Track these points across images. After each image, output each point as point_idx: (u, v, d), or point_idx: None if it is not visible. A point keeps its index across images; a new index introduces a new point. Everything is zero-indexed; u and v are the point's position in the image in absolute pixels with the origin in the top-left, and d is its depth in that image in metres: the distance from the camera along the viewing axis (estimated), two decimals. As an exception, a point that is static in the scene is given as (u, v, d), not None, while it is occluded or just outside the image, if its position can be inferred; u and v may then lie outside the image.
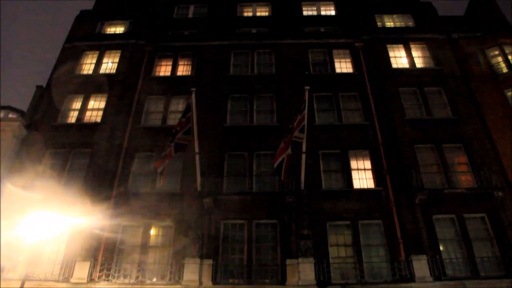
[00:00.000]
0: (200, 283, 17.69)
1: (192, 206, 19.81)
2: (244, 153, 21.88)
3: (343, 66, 26.43)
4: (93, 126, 23.29)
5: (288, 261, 18.02)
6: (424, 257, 18.10)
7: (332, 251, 18.65)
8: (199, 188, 19.84)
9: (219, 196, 19.66)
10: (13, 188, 19.61)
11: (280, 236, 19.05)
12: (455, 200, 19.67)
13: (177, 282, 17.86)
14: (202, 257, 18.29)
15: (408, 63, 26.18)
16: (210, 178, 20.29)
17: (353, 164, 21.60)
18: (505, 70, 24.89)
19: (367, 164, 21.55)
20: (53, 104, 24.31)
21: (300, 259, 17.93)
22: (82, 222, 18.72)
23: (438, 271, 17.81)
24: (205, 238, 18.83)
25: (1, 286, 18.32)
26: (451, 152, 21.90)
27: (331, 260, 18.24)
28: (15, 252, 17.71)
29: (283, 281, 17.69)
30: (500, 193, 19.60)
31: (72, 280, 18.44)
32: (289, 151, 18.38)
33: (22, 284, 14.96)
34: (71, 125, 23.58)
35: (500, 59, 25.65)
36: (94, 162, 21.66)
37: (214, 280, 17.83)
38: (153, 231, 19.77)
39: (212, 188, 19.95)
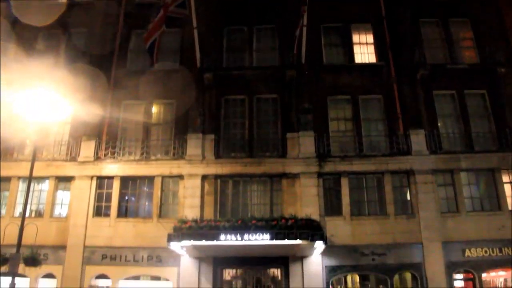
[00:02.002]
0: (203, 157, 18.12)
1: (192, 83, 19.47)
2: (244, 27, 20.89)
3: None
4: (87, 5, 21.74)
5: (288, 135, 18.33)
6: (422, 131, 18.45)
7: (332, 125, 18.92)
8: (198, 64, 19.30)
9: (219, 72, 19.26)
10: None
11: (280, 110, 19.13)
12: (457, 76, 19.47)
13: (181, 157, 18.26)
14: (204, 132, 18.50)
15: None
16: (210, 54, 19.63)
17: (355, 38, 20.84)
18: None
19: (370, 38, 20.80)
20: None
21: (300, 133, 18.24)
22: (85, 103, 18.45)
23: (434, 145, 18.33)
24: (206, 114, 18.86)
25: (12, 169, 18.79)
26: (456, 27, 21.05)
27: (331, 134, 18.60)
28: (21, 133, 17.54)
29: (283, 154, 18.20)
30: (502, 70, 19.35)
31: (79, 159, 18.86)
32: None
33: (32, 163, 15.13)
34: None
35: None
36: (91, 42, 20.70)
37: (217, 154, 18.26)
38: (154, 109, 19.70)
39: (212, 64, 19.45)
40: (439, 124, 18.96)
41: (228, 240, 14.97)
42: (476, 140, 18.70)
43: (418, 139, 18.30)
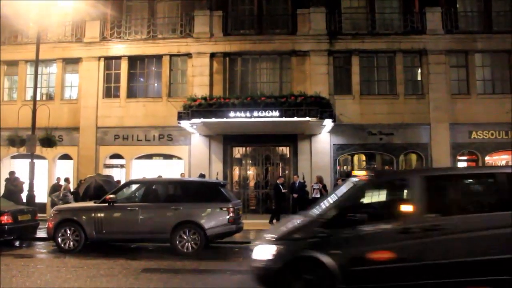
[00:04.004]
0: (211, 35, 17.69)
1: (199, -46, 18.28)
2: None
3: None
4: None
5: (299, 11, 17.62)
6: (439, 9, 17.61)
7: (344, 1, 18.07)
8: None
9: None
10: None
11: (291, -16, 18.12)
12: None
13: (188, 35, 17.83)
14: (211, 8, 17.83)
15: None
16: None
17: None
18: None
19: None
20: None
21: (311, 9, 17.51)
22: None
23: (451, 24, 17.61)
24: (213, -13, 17.97)
25: (19, 52, 18.59)
26: None
27: (342, 10, 17.86)
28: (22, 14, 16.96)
29: (294, 31, 17.67)
30: None
31: (85, 40, 18.51)
32: None
33: (37, 46, 14.87)
34: None
35: None
36: None
37: (225, 32, 17.78)
38: (159, -16, 18.76)
39: None
40: (457, 2, 18.04)
41: (237, 117, 15.13)
42: (495, 19, 17.88)
43: (433, 17, 17.54)
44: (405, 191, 6.57)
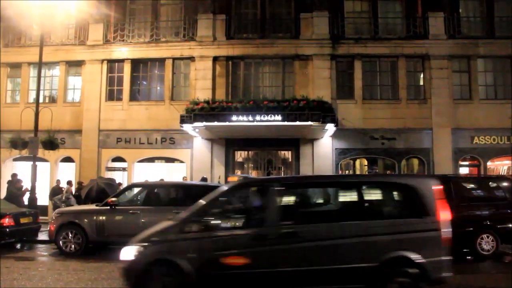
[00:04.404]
0: (214, 38, 17.73)
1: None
2: None
3: None
4: None
5: (302, 15, 17.68)
6: (441, 14, 17.65)
7: (347, 5, 18.12)
8: None
9: None
10: None
11: (294, -12, 18.17)
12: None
13: (191, 38, 17.88)
14: (215, 12, 17.89)
15: None
16: None
17: None
18: None
19: None
20: None
21: (314, 13, 17.57)
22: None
23: (453, 29, 17.64)
24: (216, -9, 18.01)
25: (22, 55, 18.63)
26: None
27: (345, 15, 17.89)
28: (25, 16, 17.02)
29: (296, 35, 17.72)
30: None
31: (88, 43, 18.57)
32: None
33: (41, 48, 14.92)
34: None
35: None
36: None
37: (228, 35, 17.82)
38: (163, -13, 18.82)
39: None
40: (460, 7, 18.05)
41: (240, 121, 15.16)
42: (498, 25, 17.89)
43: (436, 22, 17.58)
44: (264, 198, 6.49)
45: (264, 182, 7.16)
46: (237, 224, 6.46)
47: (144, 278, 5.94)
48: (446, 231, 6.03)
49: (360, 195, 6.46)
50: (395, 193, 6.76)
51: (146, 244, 6.25)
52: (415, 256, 5.87)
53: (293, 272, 5.86)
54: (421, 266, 5.85)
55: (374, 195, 6.85)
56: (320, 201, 7.18)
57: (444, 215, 6.11)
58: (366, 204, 6.54)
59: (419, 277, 5.85)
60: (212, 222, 6.11)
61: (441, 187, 6.41)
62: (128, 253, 6.19)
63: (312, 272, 5.86)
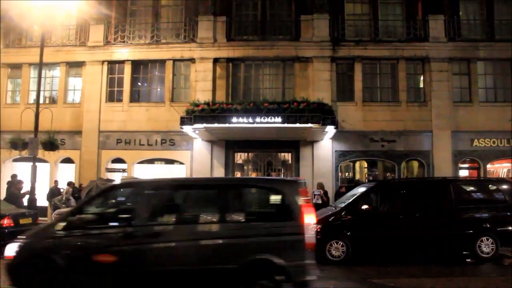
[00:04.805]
0: (215, 40, 17.75)
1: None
2: None
3: None
4: None
5: (302, 17, 17.71)
6: (442, 17, 17.69)
7: (348, 8, 18.15)
8: None
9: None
10: None
11: (294, -10, 18.21)
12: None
13: (192, 40, 17.90)
14: (215, 14, 17.91)
15: None
16: None
17: None
18: None
19: None
20: None
21: (314, 15, 17.59)
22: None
23: (453, 32, 17.67)
24: (217, -7, 18.06)
25: (22, 55, 18.65)
26: None
27: (346, 17, 17.93)
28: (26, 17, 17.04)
29: (297, 37, 17.74)
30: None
31: (88, 44, 18.58)
32: None
33: (41, 49, 14.93)
34: None
35: None
36: None
37: (228, 37, 17.84)
38: (163, -11, 18.84)
39: None
40: (460, 10, 18.08)
41: (240, 122, 15.12)
42: (498, 28, 17.94)
43: (436, 25, 17.61)
44: (135, 199, 6.83)
45: (134, 184, 7.46)
46: (109, 222, 6.65)
47: (24, 273, 6.12)
48: (310, 236, 6.06)
49: (226, 198, 6.58)
50: (262, 197, 6.89)
51: (27, 240, 6.51)
52: (278, 260, 5.88)
53: (159, 272, 5.97)
54: (284, 269, 5.86)
55: (241, 198, 6.92)
56: (188, 203, 7.20)
57: (309, 219, 6.13)
58: (232, 207, 6.62)
59: (282, 280, 5.87)
60: (81, 219, 6.42)
61: (307, 191, 6.53)
62: (11, 249, 6.41)
63: (177, 272, 5.95)
